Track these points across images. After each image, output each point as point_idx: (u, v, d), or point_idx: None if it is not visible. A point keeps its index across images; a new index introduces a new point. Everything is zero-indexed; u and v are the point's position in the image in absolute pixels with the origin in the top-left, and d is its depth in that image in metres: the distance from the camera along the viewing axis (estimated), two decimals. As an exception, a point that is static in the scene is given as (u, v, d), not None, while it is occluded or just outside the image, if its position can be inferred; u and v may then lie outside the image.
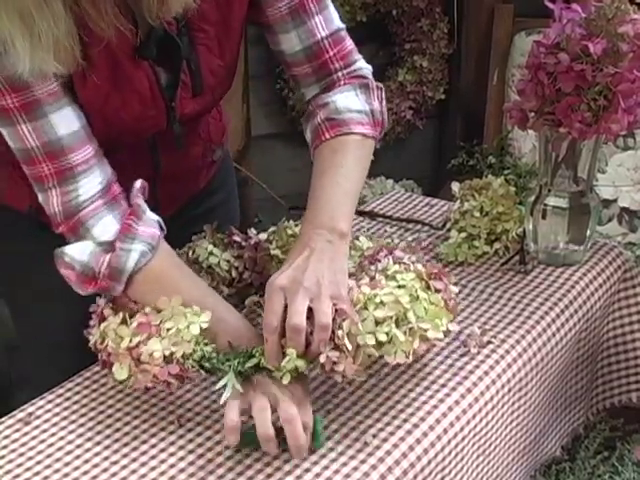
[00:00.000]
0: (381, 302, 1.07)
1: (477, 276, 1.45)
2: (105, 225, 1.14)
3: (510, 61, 2.79)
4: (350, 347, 1.05)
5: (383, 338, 1.05)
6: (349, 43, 1.29)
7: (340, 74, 1.28)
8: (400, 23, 2.89)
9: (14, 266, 1.39)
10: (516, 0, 2.79)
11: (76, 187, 1.13)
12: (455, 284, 1.40)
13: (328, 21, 1.25)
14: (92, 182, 1.14)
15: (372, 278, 1.15)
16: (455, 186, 1.56)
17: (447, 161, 2.90)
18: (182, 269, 1.20)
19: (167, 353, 1.09)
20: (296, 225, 1.41)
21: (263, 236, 1.40)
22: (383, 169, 3.02)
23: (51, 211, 1.15)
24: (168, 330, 1.10)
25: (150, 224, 1.15)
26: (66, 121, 1.11)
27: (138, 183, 1.17)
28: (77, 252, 1.14)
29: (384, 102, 1.31)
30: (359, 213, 1.65)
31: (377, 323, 1.06)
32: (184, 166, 1.37)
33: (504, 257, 1.49)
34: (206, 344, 1.11)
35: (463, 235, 1.49)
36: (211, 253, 1.35)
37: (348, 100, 1.26)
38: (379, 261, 1.22)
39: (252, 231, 1.41)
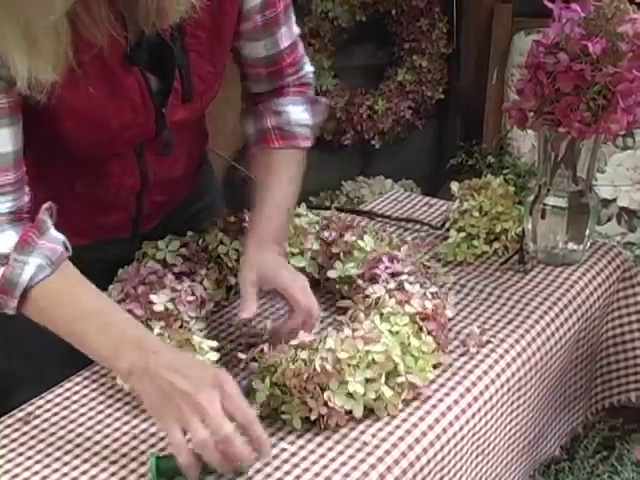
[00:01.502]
0: (373, 360, 1.11)
1: (476, 275, 1.45)
2: (5, 238, 1.10)
3: (509, 61, 2.79)
4: (341, 405, 1.09)
5: (372, 396, 1.10)
6: (301, 48, 1.37)
7: (290, 79, 1.37)
8: (399, 23, 2.89)
9: None
10: (515, 0, 2.79)
11: None
12: (454, 284, 1.41)
13: (290, 30, 1.32)
14: (5, 203, 1.10)
15: (367, 315, 1.20)
16: (454, 186, 1.56)
17: (446, 161, 2.90)
18: (85, 285, 1.13)
19: None
20: (305, 215, 1.43)
21: None
22: (382, 169, 3.03)
23: None
24: None
25: (53, 241, 1.12)
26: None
27: (46, 204, 1.13)
28: None
29: (323, 116, 1.42)
30: (358, 213, 1.65)
31: (367, 380, 1.10)
32: (172, 175, 1.36)
33: (503, 257, 1.49)
34: None
35: (462, 235, 1.49)
36: (221, 242, 1.36)
37: (299, 114, 1.37)
38: (379, 276, 1.28)
39: None
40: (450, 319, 1.28)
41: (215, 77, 1.27)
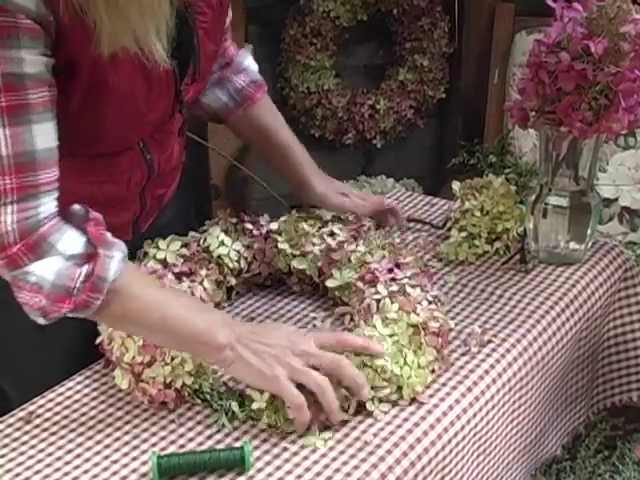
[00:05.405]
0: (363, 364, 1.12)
1: (478, 275, 1.45)
2: (70, 238, 1.06)
3: (511, 60, 2.79)
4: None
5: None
6: None
7: (228, 42, 1.43)
8: (401, 22, 2.89)
9: None
10: (517, -1, 2.79)
11: (37, 205, 1.04)
12: (456, 283, 1.41)
13: None
14: (52, 202, 1.07)
15: (366, 319, 1.20)
16: (456, 185, 1.56)
17: (448, 160, 2.90)
18: (146, 275, 1.22)
19: (168, 380, 1.14)
20: (306, 220, 1.43)
21: (274, 225, 1.42)
22: (384, 168, 3.03)
23: (2, 230, 1.03)
24: (173, 359, 1.14)
25: (112, 236, 1.11)
26: (46, 136, 1.04)
27: (77, 205, 1.10)
28: (45, 270, 1.03)
29: None
30: (359, 212, 1.65)
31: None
32: (170, 165, 1.36)
33: (505, 256, 1.49)
34: (205, 379, 1.16)
35: (464, 234, 1.49)
36: (222, 243, 1.36)
37: (253, 63, 1.47)
38: (378, 278, 1.27)
39: (265, 218, 1.43)
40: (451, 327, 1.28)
41: (215, 56, 1.27)
